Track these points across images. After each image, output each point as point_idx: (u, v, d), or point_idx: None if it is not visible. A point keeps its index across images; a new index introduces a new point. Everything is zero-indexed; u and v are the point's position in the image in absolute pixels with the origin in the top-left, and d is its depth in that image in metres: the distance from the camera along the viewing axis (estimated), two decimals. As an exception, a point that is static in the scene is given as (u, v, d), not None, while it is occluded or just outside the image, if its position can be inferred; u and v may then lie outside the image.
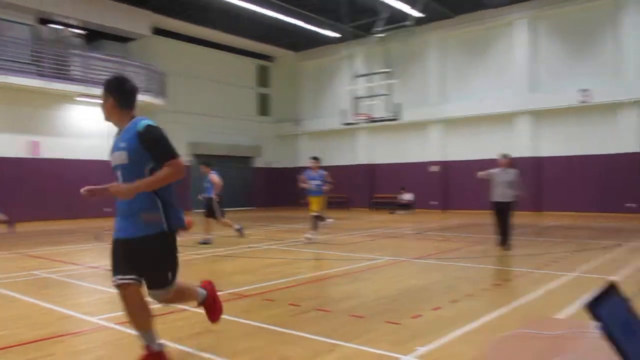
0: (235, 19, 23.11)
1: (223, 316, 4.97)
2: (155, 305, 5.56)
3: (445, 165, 24.25)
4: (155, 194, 3.56)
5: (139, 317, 3.59)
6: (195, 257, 9.63)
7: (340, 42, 25.63)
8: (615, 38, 19.92)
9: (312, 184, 11.96)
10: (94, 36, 22.57)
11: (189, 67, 25.73)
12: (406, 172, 25.23)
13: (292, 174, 29.92)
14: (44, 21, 20.49)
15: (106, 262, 9.12)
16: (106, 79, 3.77)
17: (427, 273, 7.75)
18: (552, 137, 21.42)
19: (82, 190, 3.68)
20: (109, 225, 11.17)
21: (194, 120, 25.73)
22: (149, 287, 3.64)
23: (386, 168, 26.34)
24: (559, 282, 6.82)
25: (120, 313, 5.33)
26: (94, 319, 5.07)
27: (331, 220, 12.89)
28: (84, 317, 5.21)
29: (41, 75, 18.84)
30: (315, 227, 11.87)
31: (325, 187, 11.96)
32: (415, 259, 9.12)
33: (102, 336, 4.62)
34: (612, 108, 19.85)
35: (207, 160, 13.08)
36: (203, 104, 26.26)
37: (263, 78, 30.23)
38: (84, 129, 20.82)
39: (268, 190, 29.45)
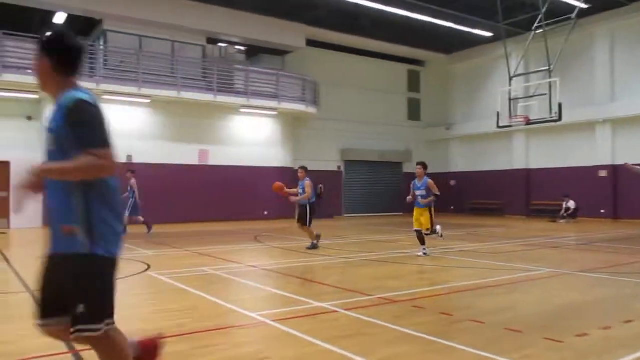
0: (386, 26, 23.28)
1: (373, 320, 5.00)
2: (309, 305, 5.81)
3: (614, 170, 21.86)
4: (76, 198, 2.60)
5: None
6: (345, 261, 9.82)
7: (494, 41, 24.52)
8: None
9: (417, 195, 10.28)
10: (254, 51, 24.33)
11: (340, 76, 26.50)
12: (568, 177, 23.23)
13: (443, 179, 29.28)
14: (212, 41, 22.58)
15: (264, 261, 9.73)
16: (44, 36, 2.80)
17: (594, 288, 7.04)
18: None
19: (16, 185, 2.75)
20: (265, 229, 11.82)
21: (345, 127, 26.42)
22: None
23: (544, 173, 24.51)
24: None
25: (277, 310, 5.66)
26: (253, 315, 5.41)
27: (439, 227, 10.69)
28: (245, 312, 5.57)
29: (209, 90, 20.76)
30: (423, 242, 10.34)
31: (426, 200, 10.11)
32: (580, 272, 8.33)
33: (260, 331, 4.90)
34: None
35: (305, 164, 12.53)
36: (354, 110, 26.84)
37: (413, 83, 30.03)
38: (246, 137, 22.52)
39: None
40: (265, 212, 22.56)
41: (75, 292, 2.59)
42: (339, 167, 26.83)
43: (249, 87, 21.69)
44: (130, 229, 14.59)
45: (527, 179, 25.28)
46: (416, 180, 10.33)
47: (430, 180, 10.08)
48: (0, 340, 4.50)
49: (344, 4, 20.63)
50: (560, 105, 19.12)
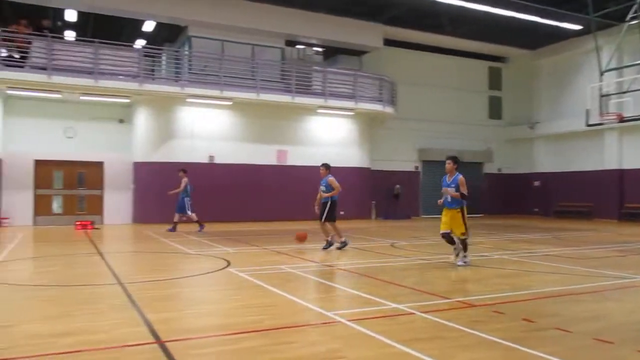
0: (466, 22, 22.71)
1: (450, 324, 4.90)
2: (385, 306, 5.77)
3: None
4: None
5: None
6: (422, 262, 9.67)
7: (583, 34, 23.21)
8: None
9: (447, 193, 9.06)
10: (332, 52, 24.51)
11: (418, 74, 26.14)
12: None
13: (527, 180, 28.10)
14: (290, 43, 22.99)
15: (340, 261, 9.77)
16: None
17: (698, 299, 6.48)
18: None
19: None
20: (341, 228, 11.89)
21: (422, 127, 26.05)
22: None
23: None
24: None
25: (352, 310, 5.67)
26: (329, 314, 5.45)
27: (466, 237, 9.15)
28: (321, 310, 5.62)
29: (288, 91, 21.15)
30: (465, 248, 9.05)
31: (449, 190, 8.94)
32: (681, 281, 7.69)
33: (336, 330, 4.93)
34: None
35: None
36: (432, 110, 26.39)
37: (494, 80, 29.03)
38: (323, 138, 22.74)
39: (498, 197, 28.16)
40: (342, 212, 22.60)
41: None
42: (416, 168, 26.44)
43: (326, 87, 21.88)
44: (207, 228, 15.11)
45: (620, 180, 23.71)
46: (446, 177, 9.16)
47: (461, 177, 8.99)
48: (93, 330, 4.81)
49: (423, 2, 20.31)
50: (658, 101, 17.80)
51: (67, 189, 19.86)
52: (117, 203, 20.12)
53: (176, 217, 16.18)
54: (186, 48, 20.92)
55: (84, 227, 17.13)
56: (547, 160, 27.40)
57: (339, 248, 11.32)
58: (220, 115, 20.91)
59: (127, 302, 5.98)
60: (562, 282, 7.61)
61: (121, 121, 20.80)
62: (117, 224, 19.70)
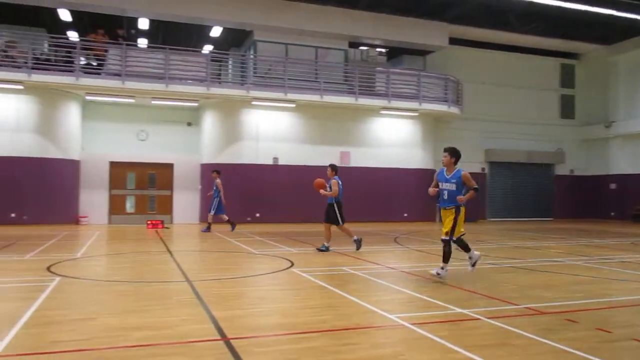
0: (536, 18, 21.91)
1: (519, 331, 4.74)
2: (449, 311, 5.66)
3: None
4: None
5: None
6: (488, 267, 9.40)
7: (666, 27, 21.83)
8: None
9: (443, 190, 7.93)
10: (395, 52, 24.29)
11: (484, 73, 25.46)
12: None
13: (601, 182, 26.73)
14: (354, 44, 22.99)
15: (403, 263, 9.67)
16: None
17: None
18: None
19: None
20: (404, 230, 11.74)
21: (489, 127, 25.35)
22: None
23: None
24: None
25: (415, 313, 5.60)
26: (392, 316, 5.40)
27: (476, 254, 8.23)
28: (383, 313, 5.58)
29: (351, 92, 21.16)
30: (446, 257, 7.78)
31: (462, 197, 7.70)
32: None
33: (399, 333, 4.88)
34: None
35: (335, 164, 11.96)
36: (499, 109, 25.63)
37: (566, 78, 27.78)
38: (386, 139, 22.58)
39: (570, 200, 26.93)
40: (405, 214, 22.41)
41: None
42: (483, 169, 25.74)
43: (389, 88, 21.71)
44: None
45: None
46: (444, 171, 7.92)
47: (465, 172, 7.71)
48: (163, 325, 5.00)
49: (489, -1, 19.76)
50: None
51: (139, 189, 20.78)
52: (186, 203, 20.84)
53: (219, 218, 16.54)
54: (251, 52, 21.38)
55: (155, 226, 17.85)
56: (624, 161, 25.94)
57: (321, 250, 11.37)
58: (284, 118, 21.21)
59: (195, 299, 6.19)
60: (641, 291, 7.18)
61: (189, 124, 21.55)
62: (186, 222, 20.40)
